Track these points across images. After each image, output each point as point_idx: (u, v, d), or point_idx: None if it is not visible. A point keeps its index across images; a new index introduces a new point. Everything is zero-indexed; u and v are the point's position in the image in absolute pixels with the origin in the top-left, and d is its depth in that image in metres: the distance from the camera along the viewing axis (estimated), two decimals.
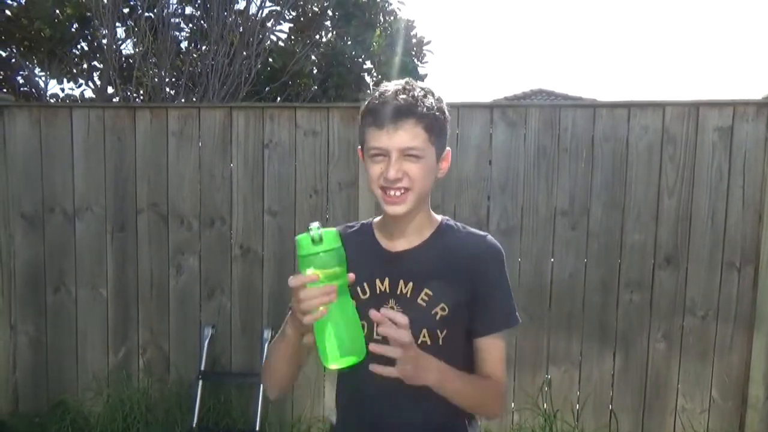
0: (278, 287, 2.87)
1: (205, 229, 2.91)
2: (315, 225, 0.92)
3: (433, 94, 1.08)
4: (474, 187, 2.75)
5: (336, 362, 0.95)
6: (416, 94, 1.04)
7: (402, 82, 1.08)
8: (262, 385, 2.72)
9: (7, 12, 5.08)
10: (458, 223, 1.19)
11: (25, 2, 5.06)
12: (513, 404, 2.78)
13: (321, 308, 0.92)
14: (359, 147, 1.12)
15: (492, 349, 1.12)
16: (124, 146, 2.92)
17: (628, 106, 2.68)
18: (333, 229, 0.97)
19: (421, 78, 6.16)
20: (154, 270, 2.94)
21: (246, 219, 2.89)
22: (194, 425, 2.69)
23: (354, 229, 1.22)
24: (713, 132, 2.63)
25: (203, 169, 2.90)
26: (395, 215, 1.08)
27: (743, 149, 2.62)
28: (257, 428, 2.66)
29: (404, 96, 1.04)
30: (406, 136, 1.02)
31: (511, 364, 2.77)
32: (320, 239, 0.91)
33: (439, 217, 1.18)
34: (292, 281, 0.93)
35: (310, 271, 0.92)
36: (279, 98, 5.60)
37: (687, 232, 2.67)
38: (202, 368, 2.78)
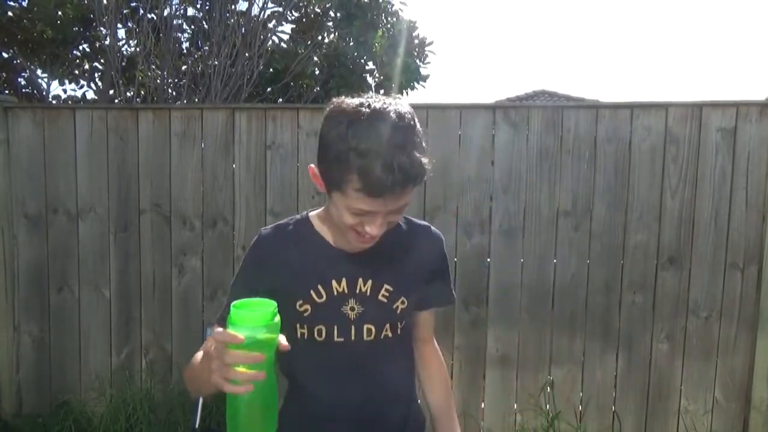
0: None
1: (207, 230, 2.91)
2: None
3: (419, 134, 0.93)
4: (476, 188, 2.75)
5: None
6: (415, 154, 0.89)
7: (389, 124, 0.89)
8: None
9: (9, 13, 5.09)
10: None
11: (26, 3, 5.06)
12: (516, 405, 2.78)
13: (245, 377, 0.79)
14: (317, 171, 0.99)
15: (431, 320, 1.28)
16: (126, 147, 2.92)
17: (631, 107, 2.68)
18: (269, 307, 0.82)
19: (423, 79, 6.15)
20: (156, 270, 2.94)
21: (248, 220, 2.89)
22: (196, 426, 2.68)
23: (290, 227, 1.15)
24: (716, 133, 2.63)
25: (206, 170, 2.91)
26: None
27: (746, 150, 2.61)
28: None
29: (404, 159, 0.87)
30: (403, 200, 0.94)
31: (514, 365, 2.77)
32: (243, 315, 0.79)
33: None
34: (220, 336, 0.78)
35: (243, 333, 0.77)
36: (281, 99, 5.61)
37: (690, 233, 2.66)
38: None
